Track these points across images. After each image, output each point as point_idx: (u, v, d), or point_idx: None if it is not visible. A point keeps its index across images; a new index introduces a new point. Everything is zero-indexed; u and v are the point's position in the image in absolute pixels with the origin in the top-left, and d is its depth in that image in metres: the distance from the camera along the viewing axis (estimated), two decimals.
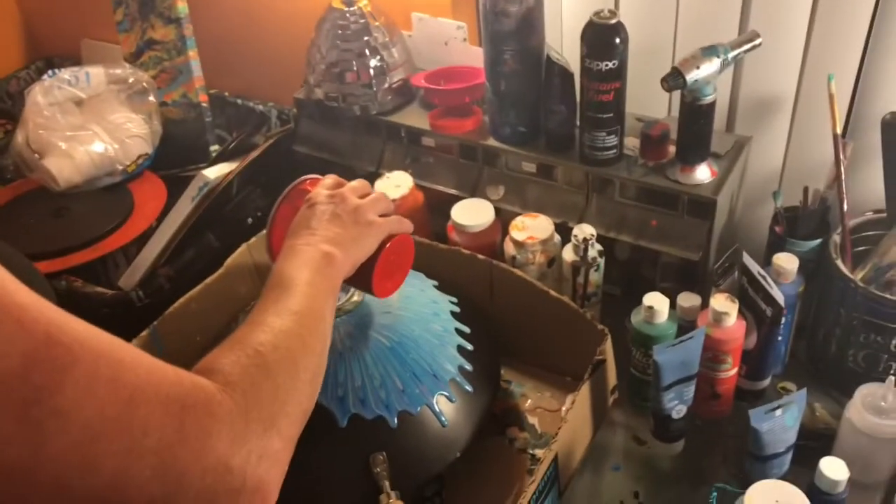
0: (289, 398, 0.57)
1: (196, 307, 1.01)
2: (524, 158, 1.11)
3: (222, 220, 1.20)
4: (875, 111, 1.00)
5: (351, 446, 0.84)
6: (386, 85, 1.19)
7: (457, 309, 0.98)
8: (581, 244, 0.99)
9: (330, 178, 0.84)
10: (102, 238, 1.22)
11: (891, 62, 0.99)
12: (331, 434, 0.83)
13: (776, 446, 0.83)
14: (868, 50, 0.98)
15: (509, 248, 1.05)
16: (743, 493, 0.75)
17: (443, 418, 0.87)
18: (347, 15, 1.17)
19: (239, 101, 1.47)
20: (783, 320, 0.89)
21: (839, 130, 0.95)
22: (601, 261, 1.02)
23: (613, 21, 0.95)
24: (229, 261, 1.06)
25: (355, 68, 1.18)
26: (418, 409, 0.86)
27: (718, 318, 0.88)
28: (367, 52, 1.17)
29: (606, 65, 0.96)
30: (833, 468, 0.76)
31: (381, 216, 0.80)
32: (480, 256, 1.02)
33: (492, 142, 1.13)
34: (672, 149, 1.03)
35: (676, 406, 0.89)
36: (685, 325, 0.94)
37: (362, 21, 1.17)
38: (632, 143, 1.07)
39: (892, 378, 0.81)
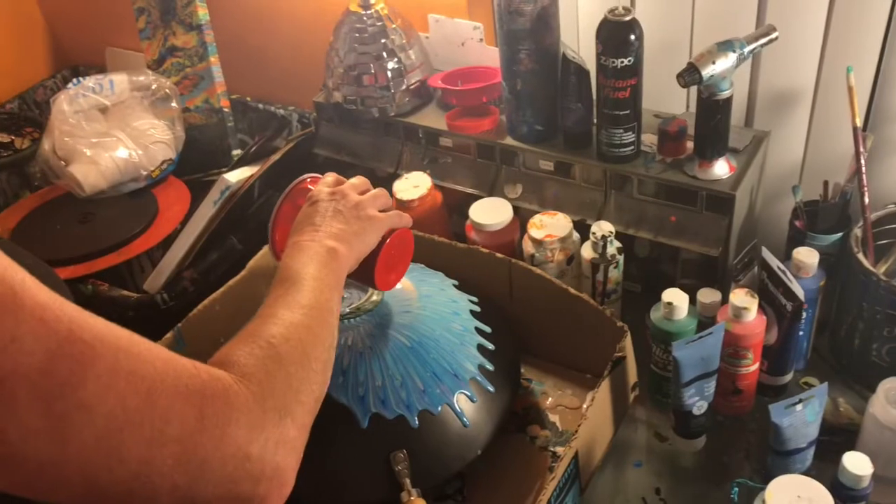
0: (302, 387, 0.58)
1: (219, 309, 1.03)
2: (541, 157, 1.11)
3: (244, 222, 1.22)
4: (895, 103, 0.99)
5: (372, 445, 0.85)
6: (403, 87, 1.20)
7: (476, 308, 0.98)
8: (599, 241, 0.99)
9: (330, 176, 0.85)
10: (128, 242, 1.23)
11: None
12: (352, 434, 0.84)
13: (797, 441, 0.83)
14: (887, 41, 0.97)
15: (528, 247, 1.05)
16: (764, 489, 0.74)
17: (464, 418, 0.87)
18: (364, 18, 1.18)
19: (260, 106, 1.49)
20: (804, 315, 0.88)
21: (859, 123, 0.94)
22: (620, 258, 1.02)
23: (628, 18, 0.95)
24: (252, 263, 1.08)
25: (373, 71, 1.18)
26: (439, 408, 0.87)
27: (738, 313, 0.88)
28: (384, 54, 1.18)
29: (622, 62, 0.96)
30: (856, 463, 0.76)
31: (381, 211, 0.82)
32: (499, 255, 1.02)
33: (509, 141, 1.13)
34: (690, 145, 1.03)
35: (697, 402, 0.89)
36: (705, 320, 0.94)
37: (379, 24, 1.18)
38: (649, 139, 1.06)
39: None
